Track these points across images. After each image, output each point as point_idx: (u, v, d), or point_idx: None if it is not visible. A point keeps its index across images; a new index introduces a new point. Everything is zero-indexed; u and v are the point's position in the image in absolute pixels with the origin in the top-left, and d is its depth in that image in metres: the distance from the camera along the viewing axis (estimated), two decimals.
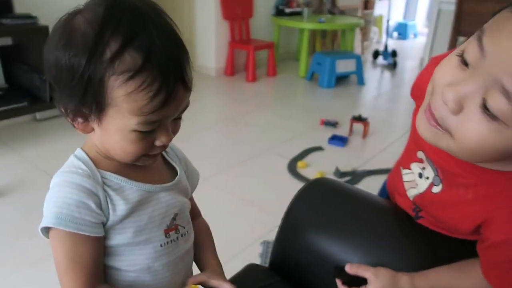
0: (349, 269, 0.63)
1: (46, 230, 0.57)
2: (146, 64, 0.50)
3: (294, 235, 0.79)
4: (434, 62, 0.67)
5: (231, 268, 0.73)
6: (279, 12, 4.35)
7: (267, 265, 0.88)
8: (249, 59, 3.84)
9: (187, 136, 2.52)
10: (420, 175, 0.71)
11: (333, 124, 2.79)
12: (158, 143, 0.57)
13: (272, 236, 1.62)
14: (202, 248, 0.75)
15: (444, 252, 0.68)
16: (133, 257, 0.61)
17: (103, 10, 0.50)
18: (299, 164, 2.23)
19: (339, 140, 2.52)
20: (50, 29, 1.97)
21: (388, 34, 5.17)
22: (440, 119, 0.51)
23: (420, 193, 0.70)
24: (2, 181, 1.93)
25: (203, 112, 3.01)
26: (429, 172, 0.69)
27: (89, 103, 0.53)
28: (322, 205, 0.79)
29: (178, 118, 0.59)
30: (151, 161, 0.61)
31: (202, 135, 2.59)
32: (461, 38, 2.96)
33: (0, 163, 2.14)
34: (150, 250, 0.62)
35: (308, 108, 3.40)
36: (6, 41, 2.50)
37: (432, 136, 0.54)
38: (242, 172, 2.16)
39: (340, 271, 0.63)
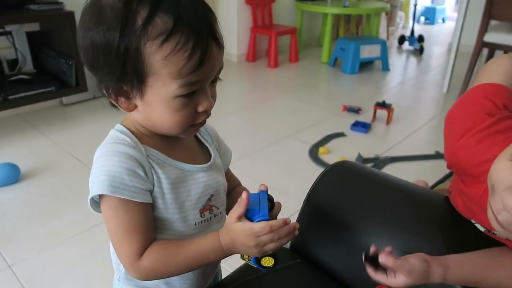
0: (384, 260, 0.60)
1: (95, 203, 0.58)
2: (177, 25, 0.51)
3: (315, 217, 0.79)
4: (464, 140, 0.63)
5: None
6: None
7: (288, 247, 0.88)
8: (271, 44, 3.80)
9: (209, 122, 2.53)
10: None
11: (356, 111, 2.75)
12: (200, 108, 0.57)
13: (293, 220, 1.62)
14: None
15: (472, 240, 0.66)
16: (169, 232, 0.63)
17: None
18: (321, 150, 2.22)
19: (362, 127, 2.48)
20: (76, 14, 2.00)
21: (415, 19, 5.01)
22: (504, 223, 0.49)
23: None
24: (32, 163, 2.00)
25: (225, 98, 3.01)
26: None
27: (129, 76, 0.53)
28: (344, 188, 0.79)
29: (214, 82, 0.59)
30: (195, 131, 0.63)
31: (224, 121, 2.60)
32: (492, 22, 2.84)
33: (29, 145, 2.21)
34: (185, 228, 0.64)
35: (330, 94, 3.35)
36: (34, 26, 2.56)
37: (505, 233, 0.52)
38: (264, 158, 2.16)
39: (372, 257, 0.61)
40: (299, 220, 0.84)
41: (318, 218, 0.79)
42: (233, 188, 0.77)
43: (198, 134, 0.71)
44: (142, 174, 0.57)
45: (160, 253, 0.58)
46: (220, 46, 0.55)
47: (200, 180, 0.65)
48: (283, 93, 3.26)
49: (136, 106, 0.58)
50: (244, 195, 0.59)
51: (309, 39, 4.69)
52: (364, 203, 0.75)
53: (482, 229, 0.67)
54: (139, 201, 0.57)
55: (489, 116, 0.62)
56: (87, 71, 2.54)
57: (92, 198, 0.58)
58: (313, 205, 0.82)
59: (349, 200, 0.77)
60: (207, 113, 0.59)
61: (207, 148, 0.71)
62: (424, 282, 0.61)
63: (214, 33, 0.54)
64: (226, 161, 0.76)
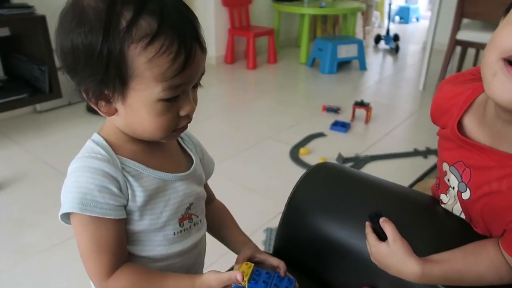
0: (382, 221, 0.62)
1: (67, 216, 0.57)
2: (162, 27, 0.50)
3: (298, 220, 0.78)
4: (445, 85, 0.71)
5: (231, 259, 0.73)
6: None
7: (271, 252, 0.87)
8: (249, 46, 3.80)
9: (189, 125, 2.50)
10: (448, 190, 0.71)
11: (335, 110, 2.77)
12: (182, 113, 0.56)
13: (275, 223, 1.62)
14: (227, 226, 0.77)
15: (459, 236, 0.66)
16: (146, 243, 0.62)
17: None
18: (301, 150, 2.22)
19: (341, 126, 2.50)
20: (48, 18, 1.94)
21: (390, 18, 5.10)
22: None
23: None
24: (5, 173, 1.93)
25: (204, 100, 2.98)
26: (453, 181, 0.68)
27: (111, 79, 0.52)
28: (326, 189, 0.78)
29: (196, 86, 0.58)
30: (176, 136, 0.62)
31: (204, 124, 2.57)
32: (465, 20, 2.91)
33: (2, 155, 2.13)
34: (163, 238, 0.63)
35: (309, 95, 3.37)
36: (4, 31, 2.48)
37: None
38: (244, 160, 2.15)
39: (374, 217, 0.62)
40: (282, 223, 0.83)
41: (300, 221, 0.78)
42: (209, 201, 0.76)
43: (181, 141, 0.70)
44: (115, 190, 0.56)
45: (130, 281, 0.57)
46: (203, 49, 0.55)
47: (179, 188, 0.63)
48: (263, 94, 3.26)
49: (116, 110, 0.56)
50: (238, 276, 0.57)
51: (287, 40, 4.71)
52: (346, 205, 0.75)
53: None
54: (111, 217, 0.55)
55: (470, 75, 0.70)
56: (61, 77, 2.48)
57: (64, 214, 0.57)
58: (295, 208, 0.81)
59: (331, 202, 0.77)
60: (189, 117, 0.58)
61: (189, 156, 0.69)
62: (398, 272, 0.61)
63: (197, 36, 0.53)
64: (209, 172, 0.75)
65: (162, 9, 0.50)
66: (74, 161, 0.58)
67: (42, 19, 2.26)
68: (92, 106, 0.56)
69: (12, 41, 2.52)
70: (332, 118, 2.66)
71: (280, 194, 1.67)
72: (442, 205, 0.74)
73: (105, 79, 0.52)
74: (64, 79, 2.55)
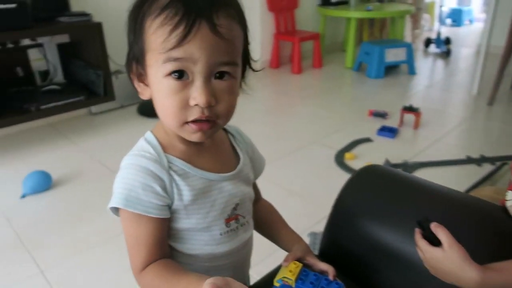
0: (434, 226, 0.59)
1: (115, 209, 0.60)
2: (174, 1, 0.52)
3: (345, 223, 0.77)
4: None
5: (277, 259, 0.73)
6: (325, 2, 4.25)
7: (316, 253, 0.86)
8: (295, 50, 3.80)
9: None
10: None
11: (382, 115, 2.70)
12: (192, 101, 0.53)
13: (319, 227, 1.60)
14: (277, 226, 0.78)
15: None
16: (193, 241, 0.63)
17: None
18: (347, 155, 2.18)
19: (388, 131, 2.44)
20: (104, 25, 2.05)
21: (441, 21, 4.91)
22: None
23: None
24: (63, 171, 2.05)
25: (249, 104, 3.01)
26: None
27: (136, 53, 0.56)
28: (375, 192, 0.77)
29: (224, 79, 0.55)
30: (197, 134, 0.57)
31: (247, 127, 2.56)
32: None
33: (60, 154, 2.27)
34: (210, 237, 0.63)
35: (355, 99, 3.31)
36: (64, 38, 2.64)
37: None
38: (288, 164, 2.15)
39: (424, 223, 0.60)
40: (328, 226, 0.82)
41: (348, 224, 0.77)
42: (256, 200, 0.76)
43: (232, 140, 0.71)
44: (159, 189, 0.58)
45: (155, 275, 0.59)
46: (217, 32, 0.52)
47: (225, 189, 0.64)
48: (307, 99, 3.24)
49: (151, 96, 0.59)
50: None
51: (333, 44, 4.66)
52: (396, 208, 0.73)
53: None
54: (152, 216, 0.57)
55: None
56: (115, 81, 2.61)
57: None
58: (342, 210, 0.80)
59: (380, 205, 0.75)
60: (201, 110, 0.54)
61: (238, 155, 0.70)
62: (455, 279, 0.58)
63: (209, 15, 0.51)
64: (259, 171, 0.76)
65: None
66: (126, 158, 0.61)
67: (99, 26, 2.39)
68: (136, 89, 0.60)
69: (71, 47, 2.68)
70: (378, 123, 2.59)
71: (325, 198, 1.65)
72: (506, 202, 0.69)
73: (134, 50, 0.56)
74: (117, 84, 2.68)
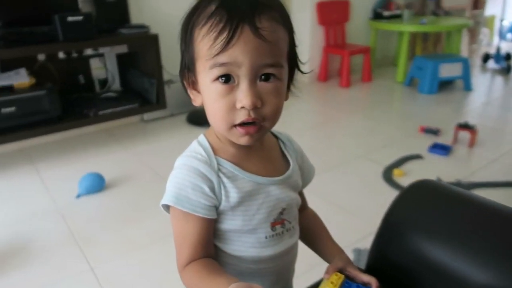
0: None
1: (167, 206, 0.62)
2: (218, 9, 0.54)
3: (394, 238, 0.75)
4: None
5: (320, 273, 0.72)
6: (377, 16, 4.19)
7: (363, 268, 0.84)
8: (344, 64, 3.76)
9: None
10: None
11: (435, 132, 2.59)
12: (238, 104, 0.55)
13: (364, 243, 1.56)
14: (321, 235, 0.78)
15: None
16: (239, 243, 0.64)
17: None
18: (395, 172, 2.12)
19: (441, 149, 2.33)
20: (160, 37, 2.15)
21: (501, 36, 4.66)
22: None
23: None
24: (115, 174, 2.15)
25: (295, 116, 3.02)
26: None
27: (188, 62, 0.59)
28: (428, 208, 0.74)
29: (269, 81, 0.56)
30: (245, 138, 0.58)
31: (294, 137, 2.59)
32: None
33: (113, 158, 2.39)
34: (255, 240, 0.64)
35: (406, 115, 3.21)
36: (123, 48, 2.80)
37: None
38: (334, 177, 2.12)
39: None
40: (376, 241, 0.80)
41: (397, 238, 0.75)
42: (302, 209, 0.76)
43: (282, 146, 0.71)
44: (208, 190, 0.60)
45: (194, 273, 0.60)
46: (259, 36, 0.53)
47: (272, 193, 0.65)
48: (355, 112, 3.19)
49: (203, 102, 0.61)
50: None
51: (383, 58, 4.56)
52: (450, 225, 0.69)
53: None
54: (200, 215, 0.59)
55: None
56: (167, 90, 2.71)
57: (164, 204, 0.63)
58: (391, 225, 0.78)
59: (432, 220, 0.72)
60: (248, 112, 0.55)
61: (288, 161, 0.70)
62: None
63: (252, 19, 0.53)
64: (308, 179, 0.76)
65: None
66: (179, 158, 0.64)
67: (155, 38, 2.50)
68: (190, 95, 0.63)
69: (129, 57, 2.83)
70: (430, 140, 2.49)
71: (371, 214, 1.61)
72: None
73: (186, 58, 0.59)
74: (169, 92, 2.78)
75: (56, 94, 2.24)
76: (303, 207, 0.78)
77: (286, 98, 0.63)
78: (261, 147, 0.66)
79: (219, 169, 0.61)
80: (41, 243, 1.62)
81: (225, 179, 0.61)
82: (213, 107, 0.57)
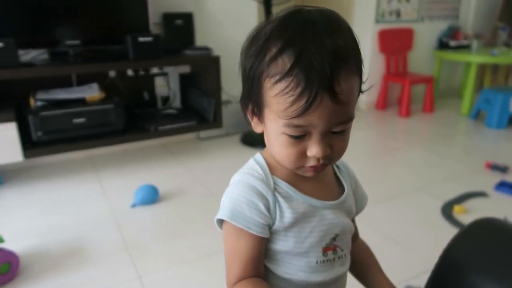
0: None
1: (220, 221, 0.63)
2: (293, 69, 0.51)
3: (453, 279, 0.69)
4: None
5: None
6: (443, 45, 4.05)
7: None
8: (404, 93, 3.65)
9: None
10: None
11: (502, 169, 2.41)
12: (309, 153, 0.56)
13: (417, 281, 1.46)
14: (372, 270, 0.75)
15: None
16: (289, 265, 0.63)
17: (279, 18, 0.55)
18: (456, 208, 1.98)
19: (509, 188, 2.16)
20: (221, 59, 2.23)
21: None
22: None
23: None
24: (169, 187, 2.22)
25: (351, 143, 2.94)
26: None
27: (254, 100, 0.58)
28: (492, 249, 0.68)
29: (339, 132, 0.56)
30: (312, 173, 0.60)
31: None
32: None
33: (169, 172, 2.47)
34: (306, 264, 0.63)
35: (470, 149, 3.02)
36: (186, 68, 2.93)
37: None
38: (388, 208, 2.02)
39: None
40: (431, 279, 0.75)
41: (456, 280, 0.69)
42: (355, 236, 0.74)
43: (336, 170, 0.70)
44: (263, 208, 0.59)
45: None
46: (338, 101, 0.52)
47: (326, 217, 0.63)
48: (415, 143, 3.06)
49: (262, 130, 0.61)
50: None
51: (447, 89, 4.37)
52: None
53: None
54: (254, 232, 0.59)
55: None
56: (223, 110, 2.79)
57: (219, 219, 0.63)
58: (450, 265, 0.72)
59: (496, 263, 0.66)
60: (318, 159, 0.56)
61: (342, 185, 0.69)
62: None
63: (331, 85, 0.51)
64: (361, 206, 0.74)
65: (302, 53, 0.50)
66: (236, 175, 0.64)
67: (217, 59, 2.60)
68: (249, 120, 0.63)
69: (190, 77, 2.96)
70: (497, 177, 2.32)
71: (427, 250, 1.51)
72: None
73: (252, 96, 0.58)
74: (225, 113, 2.86)
75: (122, 108, 2.38)
76: (355, 237, 0.75)
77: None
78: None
79: (275, 188, 0.61)
80: (96, 248, 1.69)
81: (280, 199, 0.61)
82: (281, 150, 0.57)
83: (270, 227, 0.61)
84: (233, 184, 0.63)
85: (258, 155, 0.66)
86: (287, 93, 0.51)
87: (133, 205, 2.02)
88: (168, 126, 2.58)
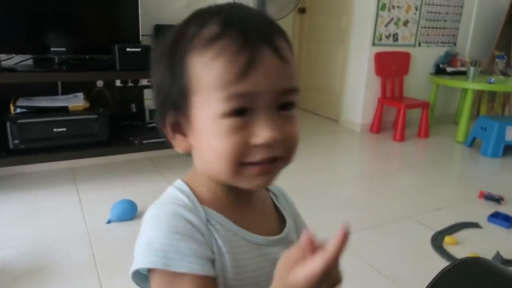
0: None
1: (139, 275, 0.50)
2: (225, 29, 0.44)
3: None
4: None
5: None
6: (440, 71, 4.03)
7: None
8: (399, 117, 3.59)
9: (322, 187, 2.42)
10: None
11: (497, 200, 2.33)
12: (256, 139, 0.45)
13: None
14: None
15: None
16: None
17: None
18: (447, 239, 1.89)
19: (503, 220, 2.07)
20: None
21: None
22: None
23: None
24: (149, 203, 2.11)
25: (343, 166, 2.88)
26: None
27: (174, 104, 0.49)
28: None
29: (287, 110, 0.47)
30: (258, 180, 0.48)
31: (338, 189, 2.45)
32: None
33: (151, 187, 2.37)
34: None
35: (464, 177, 2.95)
36: None
37: None
38: (376, 235, 1.93)
39: None
40: None
41: None
42: None
43: (274, 198, 0.61)
44: (202, 239, 0.47)
45: None
46: (281, 57, 0.45)
47: (270, 256, 0.53)
48: (407, 169, 2.98)
49: (191, 146, 0.51)
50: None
51: (443, 115, 4.33)
52: None
53: None
54: (202, 274, 0.46)
55: None
56: None
57: (137, 271, 0.48)
58: None
59: None
60: (267, 151, 0.45)
61: (282, 216, 0.59)
62: None
63: (270, 38, 0.45)
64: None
65: (231, 16, 0.46)
66: (152, 207, 0.51)
67: None
68: (172, 142, 0.53)
69: None
70: (491, 208, 2.23)
71: (413, 283, 1.41)
72: None
73: (170, 101, 0.49)
74: None
75: (106, 119, 2.30)
76: None
77: None
78: (252, 201, 0.55)
79: (207, 220, 0.49)
80: (64, 265, 1.59)
81: (215, 233, 0.49)
82: (217, 146, 0.45)
83: (213, 263, 0.49)
84: (152, 219, 0.48)
85: (179, 182, 0.54)
86: (222, 54, 0.43)
87: (109, 221, 1.92)
88: (153, 140, 2.50)
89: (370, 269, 1.64)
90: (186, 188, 0.52)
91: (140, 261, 0.47)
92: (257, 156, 0.46)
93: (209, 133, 0.47)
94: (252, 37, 0.44)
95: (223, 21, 0.45)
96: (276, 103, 0.46)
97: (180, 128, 0.51)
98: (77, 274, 1.54)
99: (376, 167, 3.06)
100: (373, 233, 1.96)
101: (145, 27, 2.50)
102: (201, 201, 0.51)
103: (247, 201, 0.54)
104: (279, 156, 0.47)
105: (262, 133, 0.44)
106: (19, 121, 2.06)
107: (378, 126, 3.81)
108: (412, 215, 2.16)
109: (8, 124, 2.05)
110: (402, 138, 3.59)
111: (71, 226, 1.89)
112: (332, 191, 2.39)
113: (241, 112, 0.45)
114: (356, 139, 3.63)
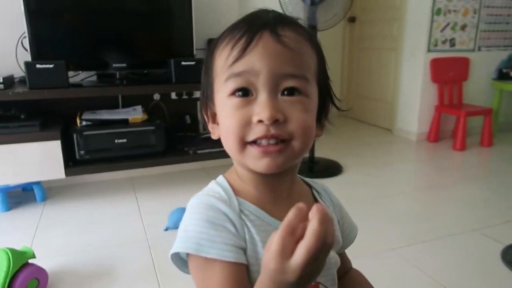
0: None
1: (179, 257, 0.54)
2: (238, 23, 0.52)
3: None
4: None
5: None
6: (503, 76, 3.79)
7: None
8: (459, 125, 3.41)
9: (377, 198, 2.34)
10: None
11: None
12: (255, 117, 0.48)
13: None
14: None
15: None
16: None
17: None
18: None
19: None
20: None
21: None
22: None
23: None
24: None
25: (398, 176, 2.77)
26: None
27: (207, 92, 0.56)
28: None
29: (292, 94, 0.49)
30: (263, 159, 0.49)
31: (394, 200, 2.35)
32: None
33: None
34: None
35: None
36: None
37: None
38: (439, 249, 1.82)
39: None
40: None
41: None
42: (345, 271, 0.65)
43: (316, 195, 0.61)
44: (233, 229, 0.50)
45: None
46: (279, 40, 0.49)
47: None
48: (470, 179, 2.81)
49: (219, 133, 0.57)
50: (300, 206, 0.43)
51: (508, 123, 4.05)
52: None
53: None
54: (231, 260, 0.49)
55: None
56: None
57: (178, 255, 0.54)
58: None
59: None
60: (267, 128, 0.48)
61: None
62: None
63: (272, 26, 0.50)
64: (350, 239, 0.65)
65: (251, 15, 0.53)
66: (192, 199, 0.56)
67: None
68: (210, 131, 0.58)
69: None
70: None
71: None
72: None
73: (206, 85, 0.55)
74: None
75: (162, 131, 2.39)
76: (346, 271, 0.67)
77: (319, 135, 0.55)
78: (289, 193, 0.56)
79: (240, 210, 0.52)
80: (125, 270, 1.65)
81: (248, 223, 0.52)
82: (226, 124, 0.51)
83: (244, 252, 0.51)
84: (191, 208, 0.54)
85: (220, 178, 0.59)
86: (229, 42, 0.51)
87: (166, 229, 1.98)
88: (207, 150, 2.56)
89: (433, 283, 1.55)
90: (224, 182, 0.57)
91: (177, 247, 0.52)
92: (256, 133, 0.49)
93: (221, 114, 0.53)
94: (255, 25, 0.50)
95: (242, 19, 0.53)
96: (280, 87, 0.49)
97: (215, 119, 0.57)
98: (138, 279, 1.60)
99: (435, 177, 2.91)
100: (435, 245, 1.85)
101: (198, 41, 2.59)
102: (236, 193, 0.55)
103: (280, 196, 0.56)
104: (278, 135, 0.48)
105: (260, 111, 0.48)
106: (84, 133, 2.20)
107: (435, 134, 3.64)
108: (477, 228, 2.02)
109: (75, 136, 2.19)
110: (463, 147, 3.40)
111: (131, 233, 1.97)
112: (388, 203, 2.30)
113: (244, 92, 0.50)
114: (413, 149, 3.48)
